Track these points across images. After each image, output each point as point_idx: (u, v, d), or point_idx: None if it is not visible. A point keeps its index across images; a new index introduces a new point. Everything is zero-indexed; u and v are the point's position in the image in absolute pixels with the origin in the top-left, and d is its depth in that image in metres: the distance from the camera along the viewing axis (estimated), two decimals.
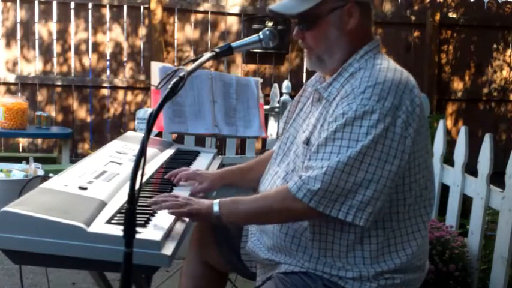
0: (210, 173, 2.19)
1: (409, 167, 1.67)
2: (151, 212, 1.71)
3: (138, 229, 1.46)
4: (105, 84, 6.38)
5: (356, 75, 1.70)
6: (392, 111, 1.61)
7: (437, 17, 6.86)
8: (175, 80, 1.59)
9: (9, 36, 6.17)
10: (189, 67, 1.69)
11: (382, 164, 1.61)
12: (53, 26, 6.24)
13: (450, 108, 7.11)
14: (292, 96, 4.89)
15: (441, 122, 3.44)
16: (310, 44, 1.79)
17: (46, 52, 6.25)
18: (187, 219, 1.76)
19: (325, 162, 1.61)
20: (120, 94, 6.41)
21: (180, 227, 1.70)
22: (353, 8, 1.73)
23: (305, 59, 1.85)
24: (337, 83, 1.74)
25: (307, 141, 1.75)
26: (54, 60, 6.28)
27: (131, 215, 1.36)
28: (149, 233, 1.53)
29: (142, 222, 1.60)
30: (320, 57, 1.79)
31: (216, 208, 1.73)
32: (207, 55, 1.82)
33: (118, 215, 1.64)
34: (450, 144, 3.53)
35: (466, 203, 3.28)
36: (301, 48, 1.85)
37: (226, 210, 1.73)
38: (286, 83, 5.26)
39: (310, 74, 2.35)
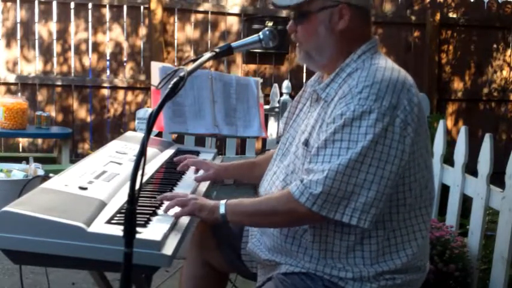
0: (217, 164, 2.25)
1: (409, 166, 1.66)
2: (151, 212, 1.71)
3: (138, 229, 1.46)
4: (105, 84, 6.38)
5: (353, 75, 1.69)
6: (391, 110, 1.61)
7: (437, 17, 6.86)
8: (175, 80, 1.59)
9: (9, 36, 6.16)
10: (189, 67, 1.69)
11: (383, 164, 1.60)
12: (53, 26, 6.24)
13: (450, 108, 7.11)
14: (292, 96, 4.90)
15: (441, 122, 3.44)
16: (300, 39, 1.80)
17: (46, 52, 6.24)
18: (188, 219, 1.76)
19: (326, 165, 1.61)
20: (120, 94, 6.41)
21: (180, 227, 1.70)
22: (345, 10, 1.73)
23: (296, 53, 1.87)
24: (335, 83, 1.73)
25: (306, 143, 1.75)
26: (54, 60, 6.28)
27: (131, 215, 1.36)
28: (149, 233, 1.53)
29: (143, 222, 1.60)
30: (308, 53, 1.80)
31: (222, 209, 1.75)
32: (207, 55, 1.82)
33: (118, 215, 1.64)
34: (450, 144, 3.52)
35: (466, 203, 3.28)
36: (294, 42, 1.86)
37: (232, 211, 1.75)
38: (286, 83, 5.26)
39: (310, 74, 2.35)
